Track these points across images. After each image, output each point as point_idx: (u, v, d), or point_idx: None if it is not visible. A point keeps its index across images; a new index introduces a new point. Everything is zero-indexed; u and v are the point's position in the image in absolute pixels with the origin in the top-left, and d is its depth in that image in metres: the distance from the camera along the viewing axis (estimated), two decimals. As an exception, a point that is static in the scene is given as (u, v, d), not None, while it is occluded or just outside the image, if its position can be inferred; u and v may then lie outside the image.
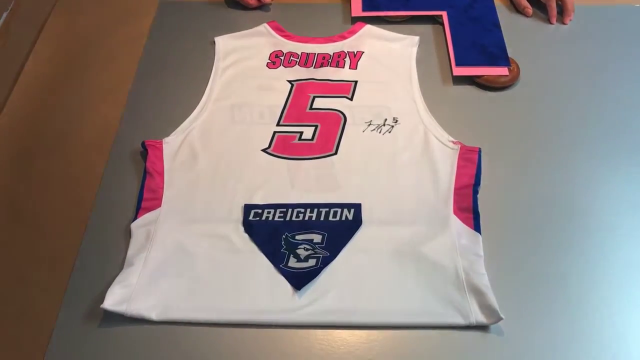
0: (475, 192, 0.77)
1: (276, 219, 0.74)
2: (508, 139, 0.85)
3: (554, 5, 1.02)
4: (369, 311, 0.67)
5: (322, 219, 0.74)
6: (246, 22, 1.01)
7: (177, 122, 0.85)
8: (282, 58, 0.95)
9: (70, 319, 0.67)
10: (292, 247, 0.72)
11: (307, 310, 0.67)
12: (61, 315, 0.68)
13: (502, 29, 0.99)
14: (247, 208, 0.75)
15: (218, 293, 0.68)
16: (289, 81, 0.91)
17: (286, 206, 0.75)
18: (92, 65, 0.97)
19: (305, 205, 0.75)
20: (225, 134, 0.84)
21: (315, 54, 0.95)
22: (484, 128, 0.86)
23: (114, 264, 0.71)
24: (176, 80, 0.93)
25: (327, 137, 0.84)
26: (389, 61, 0.94)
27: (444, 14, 1.01)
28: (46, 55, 0.99)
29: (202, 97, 0.89)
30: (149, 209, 0.75)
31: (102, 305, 0.65)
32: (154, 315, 0.66)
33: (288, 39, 0.98)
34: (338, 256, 0.71)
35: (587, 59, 0.96)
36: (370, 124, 0.85)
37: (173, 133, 0.84)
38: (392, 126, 0.85)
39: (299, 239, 0.72)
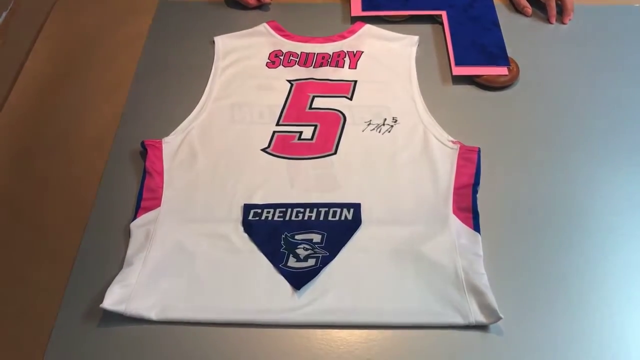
0: (475, 192, 0.77)
1: (275, 218, 0.74)
2: (507, 138, 0.85)
3: (553, 4, 1.02)
4: (369, 311, 0.67)
5: (321, 218, 0.74)
6: (246, 22, 1.01)
7: (176, 122, 0.85)
8: (282, 58, 0.95)
9: (70, 319, 0.67)
10: (292, 247, 0.72)
11: (306, 309, 0.67)
12: (60, 315, 0.68)
13: (502, 28, 0.99)
14: (247, 208, 0.75)
15: (217, 293, 0.68)
16: (289, 81, 0.91)
17: (286, 206, 0.75)
18: (92, 65, 0.97)
19: (304, 205, 0.75)
20: (225, 133, 0.84)
21: (314, 53, 0.95)
22: (483, 128, 0.86)
23: (113, 263, 0.71)
24: (176, 79, 0.93)
25: (327, 136, 0.84)
26: (389, 61, 0.94)
27: (444, 13, 1.01)
28: (46, 54, 0.99)
29: (201, 96, 0.89)
30: (148, 209, 0.75)
31: (101, 305, 0.65)
32: (153, 315, 0.66)
33: (287, 39, 0.98)
34: (337, 256, 0.71)
35: (586, 58, 0.96)
36: (369, 124, 0.85)
37: (172, 133, 0.84)
38: (392, 126, 0.85)
39: (298, 239, 0.72)
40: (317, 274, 0.69)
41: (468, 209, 0.75)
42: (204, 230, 0.73)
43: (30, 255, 0.74)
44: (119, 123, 0.87)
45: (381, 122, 0.85)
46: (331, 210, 0.75)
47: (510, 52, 0.94)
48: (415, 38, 0.98)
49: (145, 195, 0.77)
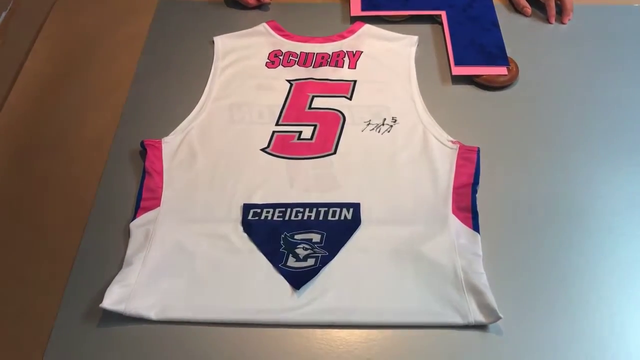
0: (474, 192, 0.77)
1: (275, 218, 0.74)
2: (507, 138, 0.85)
3: (552, 4, 1.02)
4: (368, 310, 0.67)
5: (321, 218, 0.74)
6: (245, 22, 1.01)
7: (176, 122, 0.85)
8: (281, 57, 0.95)
9: (70, 318, 0.67)
10: (291, 247, 0.72)
11: (306, 309, 0.67)
12: (60, 315, 0.68)
13: (501, 28, 0.99)
14: (246, 207, 0.75)
15: (217, 292, 0.68)
16: (288, 81, 0.91)
17: (285, 206, 0.75)
18: (92, 65, 0.97)
19: (304, 205, 0.75)
20: (224, 133, 0.84)
21: (314, 53, 0.95)
22: (482, 127, 0.86)
23: (113, 263, 0.71)
24: (175, 79, 0.93)
25: (326, 136, 0.84)
26: (388, 61, 0.94)
27: (443, 13, 1.01)
28: (45, 54, 0.99)
29: (201, 96, 0.89)
30: (148, 209, 0.75)
31: (101, 305, 0.65)
32: (152, 315, 0.66)
33: (287, 39, 0.98)
34: (337, 256, 0.71)
35: (586, 58, 0.96)
36: (369, 124, 0.85)
37: (172, 132, 0.84)
38: (391, 126, 0.85)
39: (298, 239, 0.72)
40: (316, 274, 0.69)
41: (467, 208, 0.75)
42: (204, 230, 0.73)
43: (29, 255, 0.74)
44: (119, 123, 0.87)
45: (381, 122, 0.85)
46: (331, 210, 0.75)
47: (509, 52, 0.94)
48: (415, 38, 0.98)
49: (144, 195, 0.77)
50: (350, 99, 0.89)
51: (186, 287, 0.69)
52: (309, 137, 0.84)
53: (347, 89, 0.90)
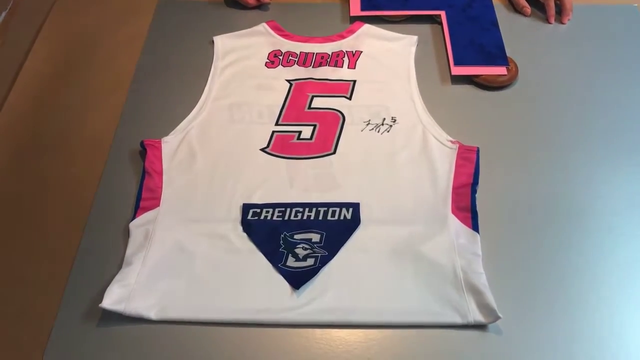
0: (474, 192, 0.77)
1: (275, 218, 0.74)
2: (506, 138, 0.85)
3: (552, 4, 1.02)
4: (368, 310, 0.67)
5: (320, 218, 0.74)
6: (245, 22, 1.01)
7: (175, 122, 0.85)
8: (281, 57, 0.95)
9: (69, 318, 0.67)
10: (291, 247, 0.72)
11: (305, 309, 0.67)
12: (60, 314, 0.68)
13: (501, 28, 0.99)
14: (246, 207, 0.75)
15: (216, 292, 0.68)
16: (288, 80, 0.91)
17: (285, 205, 0.76)
18: (91, 65, 0.97)
19: (303, 205, 0.76)
20: (224, 133, 0.84)
21: (313, 53, 0.95)
22: (482, 127, 0.86)
23: (112, 263, 0.71)
24: (175, 79, 0.93)
25: (326, 136, 0.84)
26: (388, 61, 0.94)
27: (443, 13, 1.01)
28: (45, 54, 0.99)
29: (200, 96, 0.89)
30: (147, 209, 0.75)
31: (100, 305, 0.65)
32: (152, 315, 0.66)
33: (287, 39, 0.98)
34: (336, 255, 0.71)
35: (585, 58, 0.96)
36: (368, 124, 0.85)
37: (172, 132, 0.84)
38: (391, 125, 0.85)
39: (297, 238, 0.72)
40: (316, 274, 0.69)
41: (467, 208, 0.75)
42: (203, 230, 0.74)
43: (29, 255, 0.74)
44: (119, 123, 0.87)
45: (380, 121, 0.85)
46: (330, 210, 0.75)
47: (509, 52, 0.94)
48: (414, 38, 0.98)
49: (144, 195, 0.77)
50: (349, 98, 0.89)
51: (186, 287, 0.69)
52: (309, 137, 0.84)
53: (346, 89, 0.90)
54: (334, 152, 0.82)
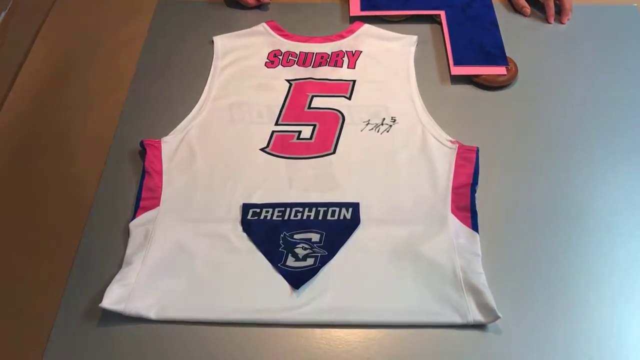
0: (473, 191, 0.77)
1: (274, 218, 0.74)
2: (506, 138, 0.85)
3: (551, 4, 1.02)
4: (367, 310, 0.67)
5: (320, 218, 0.74)
6: (245, 22, 1.01)
7: (175, 122, 0.85)
8: (281, 57, 0.95)
9: (69, 318, 0.67)
10: (291, 246, 0.72)
11: (305, 309, 0.67)
12: (60, 314, 0.68)
13: (500, 28, 0.99)
14: (246, 207, 0.75)
15: (216, 292, 0.68)
16: (288, 80, 0.91)
17: (284, 205, 0.76)
18: (91, 65, 0.97)
19: (303, 205, 0.76)
20: (224, 133, 0.84)
21: (313, 53, 0.96)
22: (482, 127, 0.86)
23: (112, 263, 0.71)
24: (175, 79, 0.93)
25: (326, 136, 0.84)
26: (387, 60, 0.94)
27: (442, 13, 1.01)
28: (44, 54, 0.99)
29: (200, 96, 0.89)
30: (147, 208, 0.75)
31: (100, 304, 0.65)
32: (152, 314, 0.66)
33: (286, 39, 0.98)
34: (336, 255, 0.71)
35: (585, 58, 0.96)
36: (368, 124, 0.85)
37: (171, 132, 0.84)
38: (390, 125, 0.85)
39: (297, 238, 0.73)
40: (315, 274, 0.69)
41: (466, 208, 0.75)
42: (203, 230, 0.74)
43: (29, 254, 0.74)
44: (119, 123, 0.87)
45: (380, 121, 0.85)
46: (330, 210, 0.75)
47: (508, 52, 0.94)
48: (414, 38, 0.98)
49: (144, 194, 0.77)
50: (349, 98, 0.89)
51: (185, 287, 0.69)
52: (309, 136, 0.84)
53: (346, 89, 0.90)
54: (334, 152, 0.82)
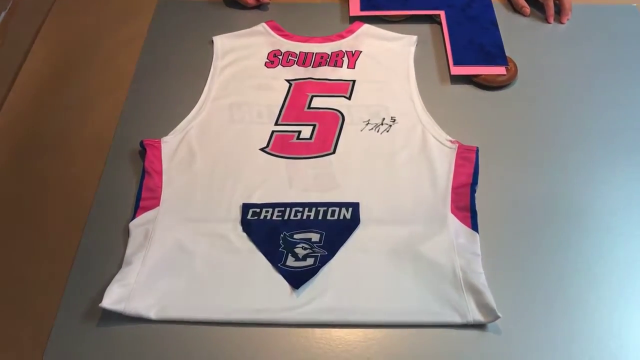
0: (473, 191, 0.77)
1: (274, 218, 0.74)
2: (506, 138, 0.85)
3: (551, 4, 1.02)
4: (367, 310, 0.67)
5: (320, 217, 0.74)
6: (244, 22, 1.01)
7: (175, 122, 0.85)
8: (280, 57, 0.95)
9: (69, 318, 0.67)
10: (290, 246, 0.72)
11: (305, 309, 0.67)
12: (60, 314, 0.68)
13: (500, 28, 0.99)
14: (245, 207, 0.75)
15: (216, 292, 0.68)
16: (287, 80, 0.91)
17: (284, 205, 0.76)
18: (91, 65, 0.97)
19: (303, 204, 0.76)
20: (224, 133, 0.84)
21: (313, 53, 0.96)
22: (481, 127, 0.86)
23: (112, 263, 0.71)
24: (175, 79, 0.93)
25: (325, 136, 0.84)
26: (387, 60, 0.94)
27: (442, 13, 1.01)
28: (44, 54, 0.99)
29: (200, 96, 0.89)
30: (147, 208, 0.76)
31: (100, 304, 0.65)
32: (152, 314, 0.66)
33: (286, 39, 0.98)
34: (336, 255, 0.71)
35: (584, 58, 0.96)
36: (368, 123, 0.85)
37: (171, 132, 0.84)
38: (390, 125, 0.85)
39: (297, 238, 0.73)
40: (315, 273, 0.69)
41: (466, 208, 0.75)
42: (203, 230, 0.74)
43: (29, 254, 0.74)
44: (119, 123, 0.87)
45: (380, 121, 0.85)
46: (330, 210, 0.75)
47: (508, 52, 0.94)
48: (414, 38, 0.98)
49: (144, 194, 0.77)
50: (349, 98, 0.89)
51: (185, 287, 0.69)
52: (308, 136, 0.84)
53: (346, 89, 0.90)
54: (334, 152, 0.82)
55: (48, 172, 0.82)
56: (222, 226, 0.74)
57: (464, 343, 0.65)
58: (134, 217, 0.75)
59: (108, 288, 0.67)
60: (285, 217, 0.74)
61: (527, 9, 1.03)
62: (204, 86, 0.90)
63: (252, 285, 0.69)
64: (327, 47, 0.96)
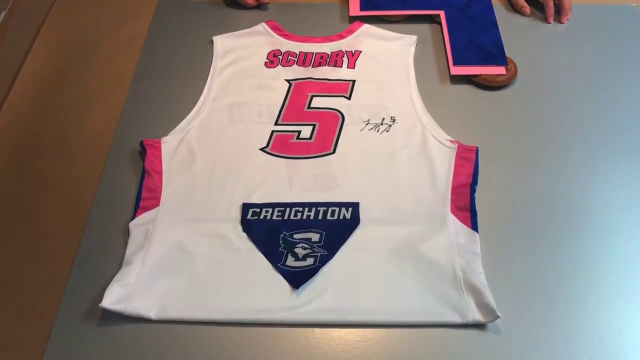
0: (473, 191, 0.77)
1: (274, 218, 0.74)
2: (505, 137, 0.85)
3: (551, 4, 1.02)
4: (367, 310, 0.67)
5: (320, 217, 0.74)
6: (244, 22, 1.01)
7: (175, 122, 0.85)
8: (280, 57, 0.95)
9: (69, 318, 0.67)
10: (290, 246, 0.72)
11: (305, 309, 0.67)
12: (60, 314, 0.68)
13: (500, 28, 0.99)
14: (245, 207, 0.75)
15: (216, 292, 0.68)
16: (287, 80, 0.91)
17: (284, 205, 0.76)
18: (91, 65, 0.97)
19: (303, 204, 0.76)
20: (224, 133, 0.84)
21: (313, 53, 0.96)
22: (481, 127, 0.86)
23: (112, 263, 0.71)
24: (174, 79, 0.93)
25: (325, 136, 0.84)
26: (387, 60, 0.95)
27: (442, 13, 1.01)
28: (44, 54, 0.99)
29: (200, 96, 0.89)
30: (147, 208, 0.76)
31: (100, 304, 0.65)
32: (152, 314, 0.66)
33: (286, 38, 0.98)
34: (336, 255, 0.71)
35: (584, 58, 0.96)
36: (368, 123, 0.85)
37: (171, 132, 0.84)
38: (390, 125, 0.85)
39: (297, 238, 0.73)
40: (315, 273, 0.69)
41: (466, 208, 0.75)
42: (203, 230, 0.74)
43: (29, 254, 0.74)
44: (119, 123, 0.87)
45: (379, 121, 0.85)
46: (330, 210, 0.75)
47: (508, 52, 0.94)
48: (414, 38, 0.98)
49: (144, 194, 0.77)
50: (349, 98, 0.89)
51: (185, 287, 0.69)
52: (308, 136, 0.84)
53: (346, 89, 0.90)
54: (334, 152, 0.82)
55: (48, 172, 0.82)
56: (222, 226, 0.74)
57: (464, 343, 0.65)
58: (134, 217, 0.75)
59: (108, 288, 0.67)
60: (285, 217, 0.74)
61: (527, 8, 1.03)
62: (204, 86, 0.90)
63: (252, 285, 0.69)
64: (327, 47, 0.97)
